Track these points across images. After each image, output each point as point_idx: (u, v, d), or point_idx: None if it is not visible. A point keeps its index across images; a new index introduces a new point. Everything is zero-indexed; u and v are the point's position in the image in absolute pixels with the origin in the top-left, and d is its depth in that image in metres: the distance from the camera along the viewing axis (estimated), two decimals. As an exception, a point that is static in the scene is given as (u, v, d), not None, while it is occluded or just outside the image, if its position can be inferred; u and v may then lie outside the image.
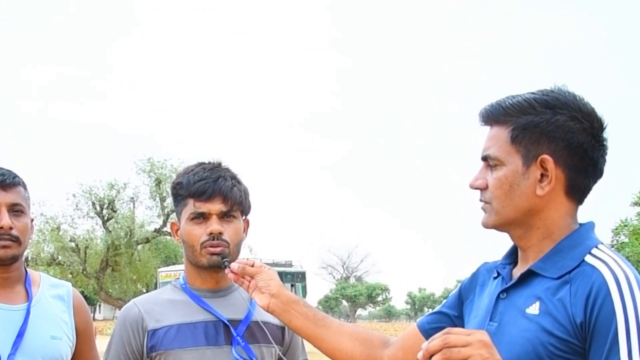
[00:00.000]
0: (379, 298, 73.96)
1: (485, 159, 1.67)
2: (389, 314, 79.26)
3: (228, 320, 2.17)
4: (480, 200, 1.69)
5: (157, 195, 28.37)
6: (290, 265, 25.82)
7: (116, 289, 29.74)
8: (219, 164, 2.25)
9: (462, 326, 1.77)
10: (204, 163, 2.24)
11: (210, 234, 2.13)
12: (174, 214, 2.30)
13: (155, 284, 26.49)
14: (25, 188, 2.29)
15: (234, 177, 2.22)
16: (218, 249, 2.13)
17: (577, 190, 1.63)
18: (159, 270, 24.80)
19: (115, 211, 28.51)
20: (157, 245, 33.85)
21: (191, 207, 2.17)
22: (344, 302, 72.57)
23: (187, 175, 2.21)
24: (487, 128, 1.69)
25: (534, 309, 1.56)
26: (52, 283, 2.37)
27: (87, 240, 28.73)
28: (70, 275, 28.19)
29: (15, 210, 2.22)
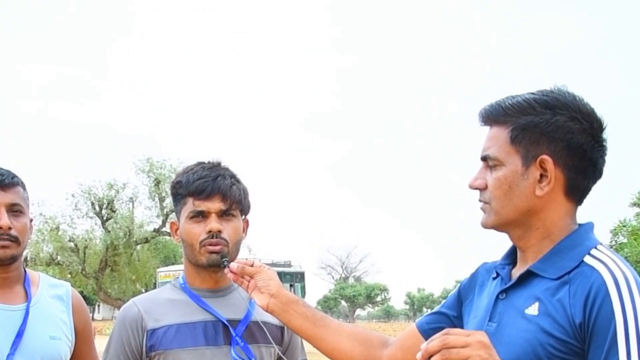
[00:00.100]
0: (378, 298, 74.02)
1: (484, 159, 1.67)
2: (388, 314, 79.28)
3: (227, 320, 2.17)
4: (480, 201, 1.69)
5: (156, 195, 28.35)
6: (289, 265, 25.84)
7: (115, 289, 29.72)
8: (219, 164, 2.25)
9: (461, 326, 1.77)
10: (204, 162, 2.24)
11: (209, 231, 2.13)
12: (173, 214, 2.30)
13: (154, 284, 26.47)
14: (24, 188, 2.28)
15: (233, 176, 2.22)
16: (217, 247, 2.13)
17: (577, 191, 1.63)
18: (158, 270, 24.80)
19: (114, 211, 28.49)
20: (156, 246, 33.85)
21: (190, 205, 2.17)
22: (343, 303, 72.60)
23: (186, 174, 2.21)
24: (487, 128, 1.69)
25: (533, 310, 1.56)
26: (51, 283, 2.36)
27: (86, 240, 28.69)
28: (70, 275, 28.17)
29: (14, 210, 2.22)
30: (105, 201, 28.34)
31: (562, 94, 1.63)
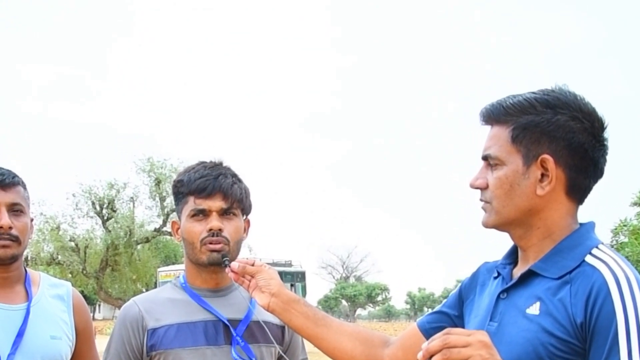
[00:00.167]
0: (379, 298, 73.96)
1: (485, 158, 1.67)
2: (389, 314, 79.26)
3: (228, 320, 2.17)
4: (481, 200, 1.68)
5: (157, 194, 28.37)
6: (290, 265, 25.82)
7: (116, 289, 29.73)
8: (220, 163, 2.25)
9: (462, 326, 1.77)
10: (205, 162, 2.25)
11: (210, 230, 2.13)
12: (174, 213, 2.31)
13: (155, 283, 26.48)
14: (24, 188, 2.29)
15: (234, 176, 2.22)
16: (218, 246, 2.13)
17: (578, 190, 1.62)
18: (159, 270, 24.78)
19: (115, 211, 28.51)
20: (157, 245, 33.85)
21: (192, 204, 2.17)
22: (344, 302, 72.57)
23: (188, 173, 2.21)
24: (488, 128, 1.69)
25: (534, 309, 1.55)
26: (51, 283, 2.37)
27: (86, 240, 28.72)
28: (70, 275, 28.18)
29: (15, 210, 2.22)
30: (105, 201, 28.36)
31: (563, 93, 1.63)
